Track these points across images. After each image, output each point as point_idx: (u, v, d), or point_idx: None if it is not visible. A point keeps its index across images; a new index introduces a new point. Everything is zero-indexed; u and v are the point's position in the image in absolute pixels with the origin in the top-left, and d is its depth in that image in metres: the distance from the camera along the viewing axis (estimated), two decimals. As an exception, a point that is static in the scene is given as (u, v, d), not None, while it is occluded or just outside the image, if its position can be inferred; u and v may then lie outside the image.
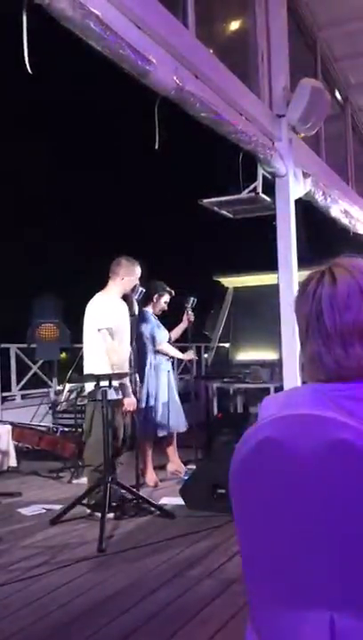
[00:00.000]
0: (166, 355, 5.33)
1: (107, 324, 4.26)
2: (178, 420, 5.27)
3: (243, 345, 9.61)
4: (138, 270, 4.48)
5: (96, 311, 4.32)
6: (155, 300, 5.42)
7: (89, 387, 4.29)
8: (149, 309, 5.39)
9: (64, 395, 6.37)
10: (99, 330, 4.26)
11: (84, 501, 4.09)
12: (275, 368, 7.02)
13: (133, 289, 4.61)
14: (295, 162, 4.61)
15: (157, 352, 5.28)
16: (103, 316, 4.29)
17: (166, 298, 5.44)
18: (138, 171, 9.98)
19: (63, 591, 2.93)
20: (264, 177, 4.48)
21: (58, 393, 7.73)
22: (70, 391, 6.03)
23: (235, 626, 2.46)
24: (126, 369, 4.31)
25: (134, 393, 4.51)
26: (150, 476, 5.17)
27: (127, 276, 4.43)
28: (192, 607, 2.68)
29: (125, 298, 4.56)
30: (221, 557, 3.30)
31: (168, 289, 5.45)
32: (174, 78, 3.06)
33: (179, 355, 5.38)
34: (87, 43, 2.58)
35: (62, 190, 10.94)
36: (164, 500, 4.49)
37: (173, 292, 5.46)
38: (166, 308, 5.45)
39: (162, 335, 5.34)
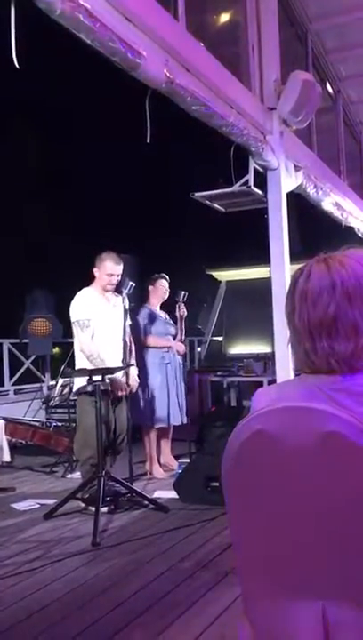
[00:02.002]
0: (156, 348, 5.29)
1: (77, 317, 4.31)
2: (175, 413, 5.26)
3: (236, 338, 9.63)
4: (108, 265, 4.38)
5: (71, 305, 4.39)
6: (151, 291, 5.41)
7: (77, 381, 4.31)
8: (148, 304, 5.38)
9: (57, 390, 6.35)
10: (72, 323, 4.35)
11: (78, 496, 4.10)
12: (268, 361, 7.04)
13: (123, 283, 4.59)
14: (287, 155, 4.60)
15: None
16: (74, 310, 4.35)
17: (162, 282, 5.41)
18: (129, 165, 9.94)
19: (58, 585, 2.94)
20: (256, 170, 4.47)
21: (51, 388, 7.72)
22: (63, 386, 6.02)
23: (229, 617, 2.48)
24: (111, 362, 4.28)
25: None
26: (156, 469, 5.19)
27: (100, 270, 4.42)
28: (187, 599, 2.70)
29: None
30: (214, 549, 3.32)
31: (157, 274, 5.43)
32: (165, 71, 3.04)
33: (166, 344, 5.33)
34: (77, 36, 2.56)
35: (53, 185, 10.89)
36: (157, 494, 4.51)
37: (163, 274, 5.44)
38: (168, 290, 5.40)
39: (158, 329, 5.30)
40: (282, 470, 1.14)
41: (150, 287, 5.42)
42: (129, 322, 4.60)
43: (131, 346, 4.64)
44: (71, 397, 5.55)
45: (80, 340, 4.31)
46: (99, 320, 4.33)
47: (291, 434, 1.12)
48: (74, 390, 4.41)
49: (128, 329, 4.56)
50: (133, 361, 4.58)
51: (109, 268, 4.38)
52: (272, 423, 1.15)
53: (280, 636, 1.20)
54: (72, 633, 2.43)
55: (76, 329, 4.34)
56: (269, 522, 1.18)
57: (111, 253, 4.44)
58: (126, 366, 4.39)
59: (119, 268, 4.43)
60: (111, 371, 4.19)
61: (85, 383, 4.10)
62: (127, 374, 4.39)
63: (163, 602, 2.69)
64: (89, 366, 4.15)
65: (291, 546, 1.15)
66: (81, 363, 4.32)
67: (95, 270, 4.44)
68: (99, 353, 4.25)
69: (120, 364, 4.34)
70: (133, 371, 4.55)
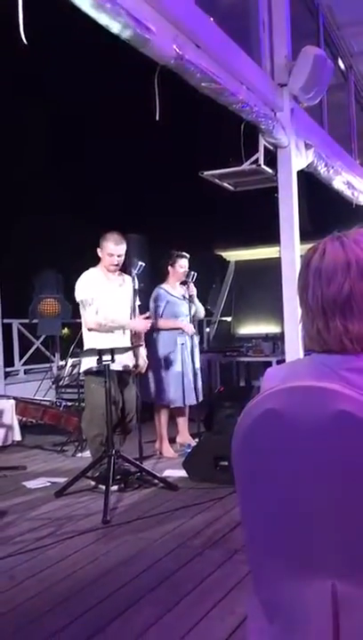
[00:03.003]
0: (165, 330, 5.28)
1: (80, 297, 4.35)
2: (189, 393, 5.27)
3: (245, 319, 9.61)
4: (109, 245, 4.34)
5: (76, 286, 4.42)
6: (171, 272, 5.39)
7: (85, 361, 4.33)
8: (164, 285, 5.36)
9: (67, 369, 6.39)
10: (78, 303, 4.40)
11: (88, 474, 4.14)
12: (277, 341, 7.02)
13: (132, 264, 4.57)
14: (298, 132, 4.54)
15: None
16: (78, 290, 4.39)
17: (181, 262, 5.35)
18: (138, 143, 9.85)
19: (69, 562, 2.98)
20: (266, 148, 4.42)
21: (60, 368, 7.77)
22: (73, 366, 6.06)
23: (238, 594, 2.51)
24: (118, 342, 4.27)
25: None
26: (166, 448, 5.23)
27: (103, 251, 4.40)
28: (196, 576, 2.73)
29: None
30: (224, 528, 3.35)
31: (176, 252, 5.39)
32: (174, 47, 3.00)
33: (175, 325, 5.31)
34: (85, 11, 2.52)
35: (62, 164, 10.82)
36: (167, 473, 4.54)
37: (183, 253, 5.40)
38: (187, 270, 5.34)
39: (171, 310, 5.28)
40: (292, 449, 1.14)
41: (169, 267, 5.38)
42: (138, 302, 4.60)
43: None
44: (81, 377, 5.57)
45: (85, 318, 4.35)
46: (104, 300, 4.34)
47: (301, 413, 1.11)
48: (81, 370, 4.42)
49: (137, 310, 4.55)
50: (141, 341, 4.58)
51: (110, 248, 4.35)
52: (282, 402, 1.14)
53: (289, 613, 1.21)
54: (83, 608, 2.47)
55: (81, 309, 4.38)
56: (278, 500, 1.18)
57: (114, 234, 4.39)
58: (135, 346, 4.39)
59: (120, 249, 4.38)
60: (122, 350, 4.20)
61: (93, 363, 4.12)
62: (136, 355, 4.40)
63: (173, 579, 2.73)
64: (98, 346, 4.14)
65: (300, 524, 1.16)
66: (89, 343, 4.33)
67: (99, 250, 4.43)
68: (106, 317, 4.28)
69: (127, 344, 4.34)
70: (142, 351, 4.56)
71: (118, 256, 4.38)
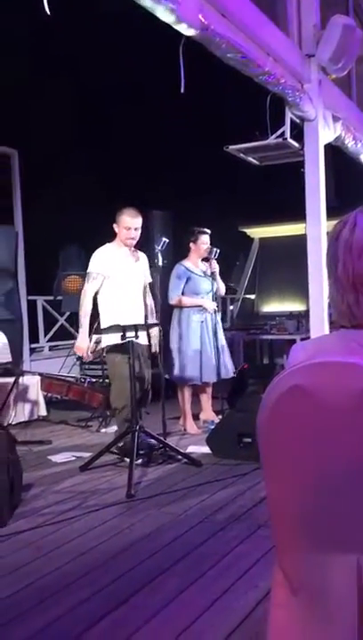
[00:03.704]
0: (188, 306, 5.26)
1: (89, 269, 4.41)
2: (210, 370, 5.27)
3: (269, 296, 9.56)
4: (126, 219, 4.34)
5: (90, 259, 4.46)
6: (193, 248, 5.35)
7: (105, 338, 4.36)
8: (184, 262, 5.34)
9: (91, 346, 6.42)
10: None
11: (113, 448, 4.19)
12: (301, 319, 6.98)
13: (156, 240, 4.56)
14: (325, 105, 4.44)
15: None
16: (90, 262, 4.44)
17: (204, 238, 5.31)
18: (162, 117, 9.73)
19: (94, 534, 3.03)
20: (292, 121, 4.33)
21: (85, 344, 7.82)
22: (97, 342, 6.08)
23: (262, 568, 2.52)
24: (131, 318, 4.26)
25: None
26: (190, 425, 5.25)
27: (119, 225, 4.40)
28: (219, 550, 2.75)
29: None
30: (247, 503, 3.37)
31: (198, 229, 5.36)
32: (200, 17, 2.93)
33: (196, 302, 5.28)
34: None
35: (85, 142, 10.77)
36: (190, 449, 4.57)
37: (204, 229, 5.36)
38: (209, 246, 5.30)
39: (192, 287, 5.26)
40: (318, 426, 1.13)
41: (191, 244, 5.35)
42: (150, 279, 4.59)
43: (152, 305, 4.63)
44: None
45: (85, 288, 4.40)
46: (118, 275, 4.35)
47: (328, 390, 1.10)
48: (103, 346, 4.43)
49: (148, 287, 4.56)
50: (153, 320, 4.58)
51: (127, 221, 4.35)
52: (309, 378, 1.13)
53: (314, 588, 1.21)
54: (108, 580, 2.51)
55: (86, 279, 4.43)
56: (303, 476, 1.17)
57: (129, 208, 4.40)
58: (154, 324, 4.41)
59: (137, 222, 4.37)
60: (147, 326, 4.23)
61: (114, 339, 4.14)
62: (148, 333, 4.41)
63: (196, 552, 2.76)
64: (117, 322, 4.14)
65: (326, 500, 1.15)
66: (107, 319, 4.33)
67: (115, 226, 4.42)
68: (87, 311, 4.34)
69: (140, 320, 4.35)
70: (155, 330, 4.55)
71: (135, 229, 4.38)
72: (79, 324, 4.38)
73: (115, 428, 4.76)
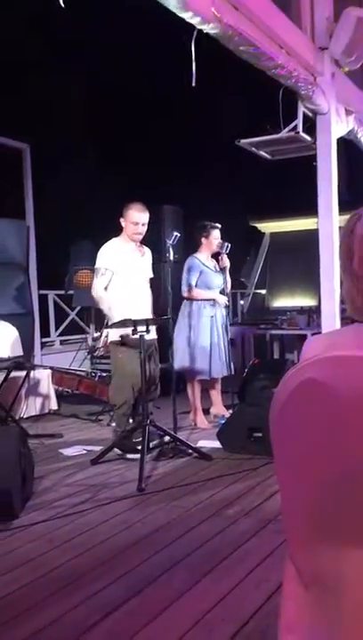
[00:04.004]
0: (200, 300, 5.26)
1: (97, 264, 4.40)
2: (219, 365, 5.27)
3: (279, 291, 9.52)
4: (133, 213, 4.34)
5: (98, 254, 4.45)
6: (204, 243, 5.35)
7: (112, 333, 4.36)
8: (198, 255, 5.33)
9: (102, 340, 6.44)
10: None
11: (118, 445, 4.23)
12: (312, 314, 6.95)
13: (167, 234, 4.56)
14: (338, 98, 4.41)
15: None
16: (98, 258, 4.43)
17: (215, 233, 5.31)
18: (173, 111, 9.70)
19: (104, 527, 3.04)
20: (305, 115, 4.30)
21: (95, 339, 7.85)
22: (107, 337, 6.10)
23: (273, 562, 2.53)
24: (138, 312, 4.24)
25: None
26: (200, 419, 5.26)
27: (126, 220, 4.39)
28: (230, 544, 2.76)
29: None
30: (257, 498, 3.37)
31: (210, 224, 5.35)
32: (212, 10, 2.92)
33: (209, 296, 5.28)
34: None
35: (96, 135, 10.76)
36: (201, 443, 4.58)
37: (216, 224, 5.35)
38: (221, 241, 5.29)
39: (204, 281, 5.25)
40: (333, 419, 1.12)
41: (203, 239, 5.34)
42: (152, 275, 4.59)
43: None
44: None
45: (93, 285, 4.40)
46: (125, 270, 4.35)
47: (343, 383, 1.09)
48: (109, 340, 4.43)
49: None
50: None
51: (135, 216, 4.34)
52: (322, 372, 1.12)
53: (327, 583, 1.21)
54: (120, 572, 2.53)
55: (94, 274, 4.44)
56: (317, 469, 1.17)
57: (137, 203, 4.39)
58: (166, 318, 4.42)
59: (144, 217, 4.37)
60: (156, 321, 4.23)
61: (121, 333, 4.16)
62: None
63: (207, 546, 2.76)
64: (125, 317, 4.15)
65: (340, 493, 1.14)
66: (115, 314, 4.31)
67: (122, 220, 4.41)
68: (110, 302, 4.30)
69: (148, 314, 4.36)
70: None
71: (142, 224, 4.38)
72: (110, 318, 4.31)
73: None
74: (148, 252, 4.59)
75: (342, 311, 4.51)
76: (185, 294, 5.25)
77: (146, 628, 2.10)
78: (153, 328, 4.37)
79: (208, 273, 5.29)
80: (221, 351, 5.26)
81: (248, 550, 2.69)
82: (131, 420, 4.46)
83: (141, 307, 4.38)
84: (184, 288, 5.23)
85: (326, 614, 1.22)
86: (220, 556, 2.64)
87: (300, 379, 1.15)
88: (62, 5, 2.11)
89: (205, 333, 5.22)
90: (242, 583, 2.38)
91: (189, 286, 5.22)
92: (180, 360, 5.20)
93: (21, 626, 2.15)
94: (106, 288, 4.39)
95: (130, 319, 4.05)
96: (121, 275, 4.34)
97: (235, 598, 2.27)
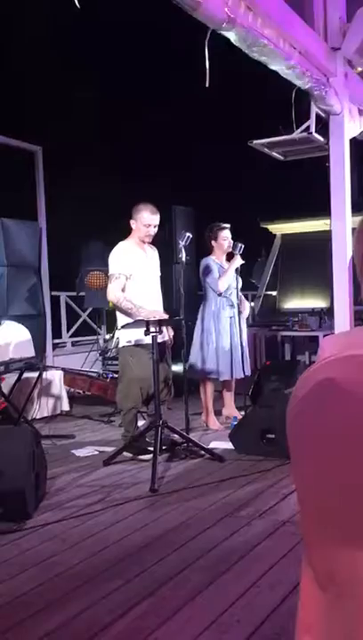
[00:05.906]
0: (229, 289, 5.22)
1: (111, 270, 4.33)
2: (236, 367, 5.26)
3: (291, 293, 9.49)
4: (145, 215, 4.30)
5: (109, 258, 4.39)
6: (215, 246, 5.34)
7: (123, 336, 4.35)
8: (211, 257, 5.32)
9: (113, 342, 6.46)
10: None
11: (127, 448, 4.23)
12: (323, 316, 6.92)
13: (179, 235, 4.55)
14: (351, 98, 4.39)
15: (219, 296, 5.22)
16: (110, 263, 4.36)
17: (225, 233, 5.28)
18: (184, 112, 9.71)
19: (118, 528, 3.05)
20: (318, 115, 4.29)
21: (107, 340, 7.87)
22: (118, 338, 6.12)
23: (287, 564, 2.51)
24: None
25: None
26: (212, 420, 5.25)
27: (137, 222, 4.36)
28: (244, 546, 2.75)
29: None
30: (271, 499, 3.36)
31: (216, 225, 5.33)
32: (226, 10, 2.91)
33: (231, 269, 5.21)
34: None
35: (108, 136, 10.80)
36: (213, 445, 4.57)
37: (223, 224, 5.32)
38: (231, 241, 5.26)
39: (223, 282, 5.24)
40: (350, 421, 1.11)
41: (213, 241, 5.32)
42: (160, 273, 4.58)
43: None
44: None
45: (109, 290, 4.33)
46: (138, 272, 4.33)
47: (360, 383, 1.08)
48: (121, 344, 4.43)
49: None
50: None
51: (147, 218, 4.32)
52: (339, 372, 1.11)
53: (344, 585, 1.20)
54: (134, 572, 2.53)
55: (109, 280, 4.39)
56: (334, 470, 1.16)
57: (148, 204, 4.36)
58: (179, 319, 4.41)
59: (156, 218, 4.35)
60: (169, 322, 4.23)
61: (132, 336, 4.17)
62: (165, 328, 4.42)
63: (221, 547, 2.76)
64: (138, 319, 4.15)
65: (358, 495, 1.14)
66: (124, 318, 4.31)
67: (132, 222, 4.38)
68: (132, 301, 4.24)
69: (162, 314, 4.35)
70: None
71: (154, 226, 4.36)
72: (137, 316, 4.21)
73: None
74: (155, 251, 4.58)
75: (356, 313, 4.49)
76: (222, 288, 5.18)
77: (160, 629, 2.09)
78: (165, 329, 4.36)
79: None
80: (239, 352, 5.26)
81: (262, 552, 2.68)
82: (141, 423, 4.46)
83: (156, 307, 4.39)
84: (215, 285, 5.16)
85: (343, 616, 1.22)
86: (234, 557, 2.63)
87: (317, 378, 1.14)
88: (77, 6, 2.12)
89: (225, 334, 5.21)
90: (257, 584, 2.37)
91: (218, 282, 5.17)
92: (199, 360, 5.18)
93: (36, 626, 2.15)
94: (123, 290, 4.38)
95: (143, 320, 4.04)
96: (135, 278, 4.33)
97: (250, 599, 2.26)
